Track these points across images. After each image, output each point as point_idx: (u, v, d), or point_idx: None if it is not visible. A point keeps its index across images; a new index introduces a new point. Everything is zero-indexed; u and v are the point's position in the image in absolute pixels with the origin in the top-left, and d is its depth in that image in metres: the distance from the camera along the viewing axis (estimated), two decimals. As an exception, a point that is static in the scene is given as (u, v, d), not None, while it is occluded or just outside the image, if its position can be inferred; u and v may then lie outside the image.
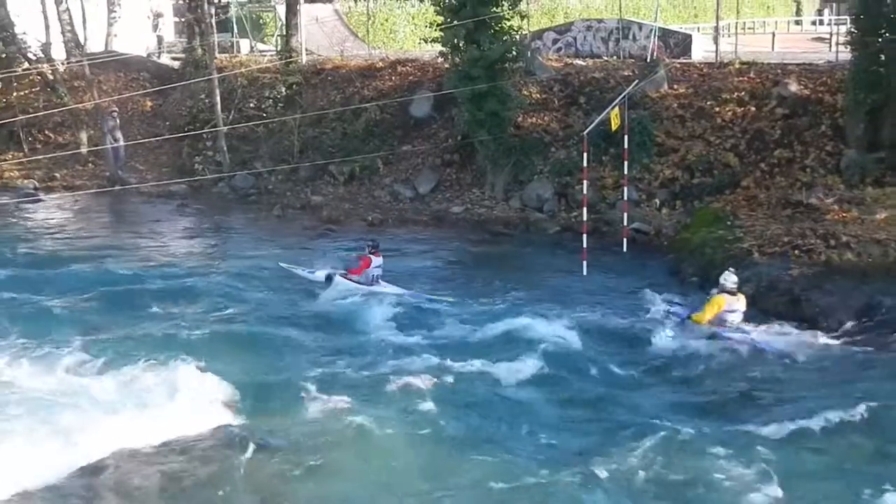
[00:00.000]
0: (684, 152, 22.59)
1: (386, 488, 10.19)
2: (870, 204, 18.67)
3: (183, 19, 34.80)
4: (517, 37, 24.34)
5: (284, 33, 32.40)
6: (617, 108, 19.31)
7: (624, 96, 20.17)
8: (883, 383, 12.72)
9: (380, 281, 17.25)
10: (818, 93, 22.60)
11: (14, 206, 24.89)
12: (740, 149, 22.26)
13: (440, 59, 26.23)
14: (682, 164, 22.43)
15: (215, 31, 31.21)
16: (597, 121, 20.43)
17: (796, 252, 16.95)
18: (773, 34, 34.87)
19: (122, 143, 27.42)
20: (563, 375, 13.16)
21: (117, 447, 10.86)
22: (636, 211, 21.22)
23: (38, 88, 30.86)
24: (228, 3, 37.55)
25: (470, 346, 14.28)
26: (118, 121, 27.81)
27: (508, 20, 23.72)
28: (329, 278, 17.32)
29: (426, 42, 26.00)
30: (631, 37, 28.16)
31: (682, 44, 27.63)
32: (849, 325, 14.74)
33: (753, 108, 23.01)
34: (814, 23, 47.19)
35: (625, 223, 19.89)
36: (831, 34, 31.04)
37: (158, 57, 35.29)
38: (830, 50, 27.09)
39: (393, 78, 28.76)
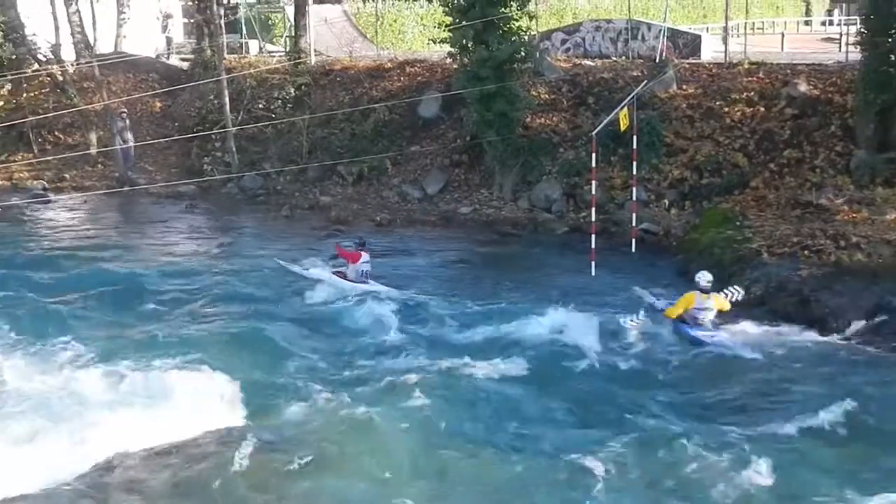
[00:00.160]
0: (693, 152, 22.54)
1: (389, 488, 10.20)
2: (880, 204, 18.64)
3: (192, 20, 34.86)
4: (526, 37, 24.32)
5: (293, 34, 32.47)
6: (626, 109, 19.27)
7: (633, 97, 20.12)
8: (891, 384, 12.68)
9: (369, 280, 17.48)
10: (828, 93, 22.53)
11: (24, 207, 24.98)
12: (749, 149, 22.20)
13: (449, 60, 26.24)
14: (690, 164, 22.37)
15: (224, 32, 31.28)
16: (605, 121, 20.39)
17: (806, 252, 16.91)
18: (783, 34, 34.70)
19: (131, 143, 27.50)
20: (567, 375, 13.18)
21: (120, 446, 10.90)
22: (645, 211, 21.17)
23: (47, 90, 30.98)
24: (237, 4, 37.62)
25: (474, 346, 14.33)
26: (128, 122, 27.87)
27: (517, 21, 23.70)
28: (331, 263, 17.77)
29: (435, 43, 25.98)
30: (640, 37, 28.10)
31: (691, 44, 27.57)
32: (858, 325, 14.68)
33: (763, 109, 22.95)
34: (823, 23, 47.07)
35: (633, 223, 19.84)
36: (841, 34, 30.90)
37: (168, 58, 35.42)
38: (840, 50, 27.01)
39: (401, 78, 28.78)
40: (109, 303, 16.56)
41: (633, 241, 19.62)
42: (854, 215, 18.38)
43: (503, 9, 23.10)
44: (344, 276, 17.61)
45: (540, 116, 24.85)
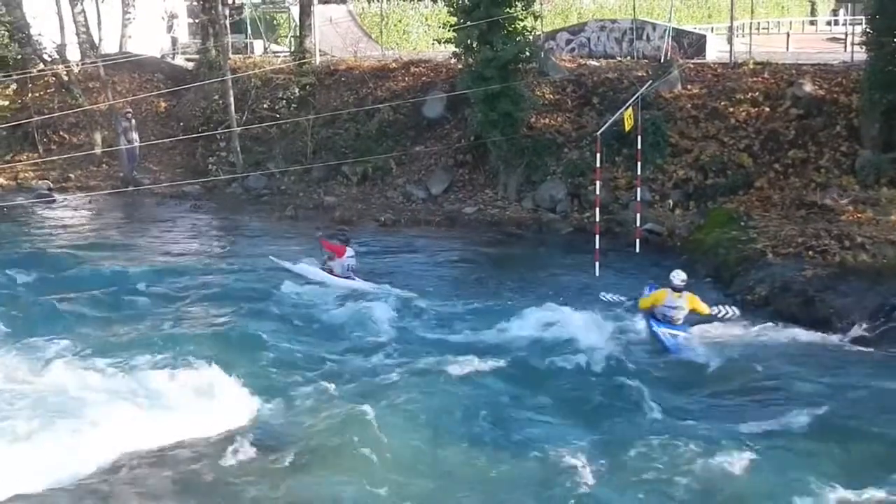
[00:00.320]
0: (698, 153, 22.50)
1: (389, 487, 10.22)
2: (885, 205, 18.58)
3: (197, 20, 34.86)
4: (530, 37, 24.31)
5: (298, 34, 32.46)
6: (630, 109, 19.25)
7: (637, 97, 20.10)
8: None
9: (354, 276, 17.72)
10: (833, 93, 22.47)
11: (29, 207, 25.03)
12: (754, 149, 22.16)
13: (453, 60, 26.20)
14: (695, 164, 22.33)
15: (229, 32, 31.35)
16: (610, 121, 20.37)
17: (810, 253, 16.87)
18: (788, 34, 34.73)
19: (137, 143, 27.54)
20: (567, 375, 13.18)
21: (120, 446, 10.93)
22: (649, 212, 21.14)
23: (52, 89, 31.04)
24: (242, 4, 37.66)
25: (475, 345, 14.35)
26: (133, 122, 27.90)
27: (522, 21, 23.68)
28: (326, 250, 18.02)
29: (439, 43, 25.96)
30: (645, 37, 28.07)
31: (696, 44, 27.52)
32: (863, 326, 14.64)
33: (767, 109, 22.90)
34: (829, 23, 46.95)
35: (638, 224, 19.82)
36: (846, 34, 30.86)
37: (173, 58, 35.43)
38: (845, 50, 26.97)
39: (406, 79, 28.76)
40: (112, 302, 16.60)
41: (638, 241, 19.60)
42: (859, 216, 18.34)
43: (508, 9, 23.08)
44: (330, 271, 17.86)
45: (544, 116, 24.82)
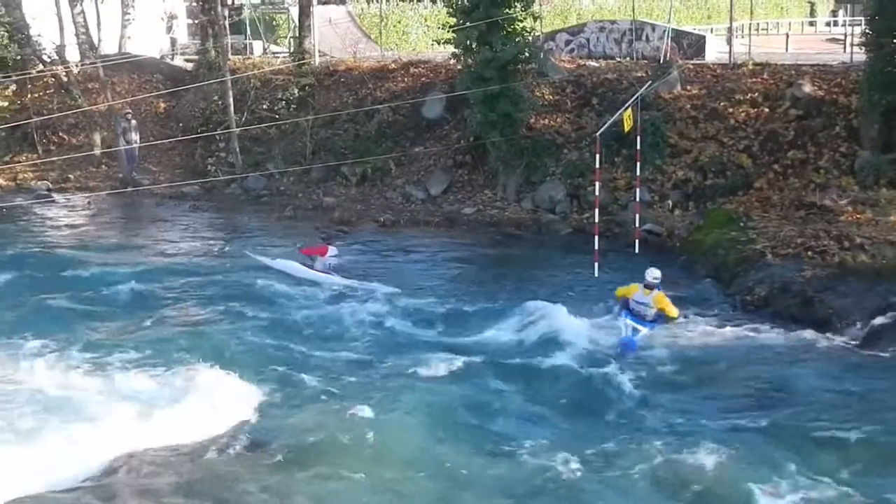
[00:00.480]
0: (697, 153, 22.51)
1: (388, 486, 10.28)
2: (884, 205, 18.61)
3: (196, 21, 34.87)
4: (530, 38, 24.29)
5: (297, 35, 32.44)
6: (630, 110, 19.26)
7: (637, 97, 20.11)
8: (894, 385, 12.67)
9: (334, 273, 18.11)
10: (832, 94, 22.48)
11: (28, 208, 25.02)
12: (753, 150, 22.16)
13: (453, 61, 26.20)
14: (694, 165, 22.34)
15: (228, 32, 31.29)
16: (609, 122, 20.37)
17: (809, 253, 16.88)
18: (787, 35, 34.75)
19: (137, 144, 27.53)
20: (566, 376, 13.19)
21: (119, 446, 10.94)
22: (648, 212, 21.14)
23: (52, 90, 31.04)
24: (242, 5, 37.66)
25: (473, 345, 14.46)
26: (133, 122, 27.89)
27: (521, 21, 23.67)
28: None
29: (439, 43, 25.97)
30: (644, 38, 28.07)
31: (695, 45, 27.53)
32: (862, 327, 14.64)
33: (767, 110, 22.91)
34: (828, 24, 46.96)
35: (637, 224, 19.82)
36: (846, 35, 30.88)
37: (172, 59, 35.44)
38: (845, 51, 26.97)
39: (405, 79, 28.76)
40: (110, 302, 16.66)
41: (637, 242, 19.60)
42: (858, 216, 18.35)
43: (507, 10, 23.07)
44: (311, 267, 18.26)
45: (544, 117, 24.82)
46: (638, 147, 20.10)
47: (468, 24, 23.10)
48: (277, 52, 35.66)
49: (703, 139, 22.88)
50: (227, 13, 31.22)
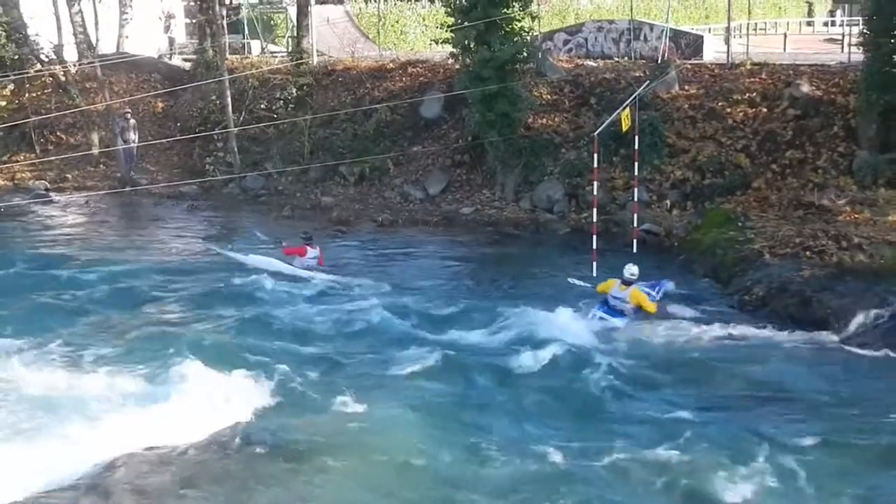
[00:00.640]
0: (695, 153, 22.51)
1: (387, 485, 10.28)
2: (882, 205, 18.62)
3: (194, 21, 34.88)
4: (528, 38, 24.31)
5: (295, 34, 32.45)
6: (628, 109, 19.27)
7: (635, 97, 20.11)
8: (893, 385, 12.67)
9: (314, 271, 18.37)
10: (830, 94, 22.50)
11: (26, 208, 25.00)
12: (751, 150, 22.17)
13: (451, 61, 26.23)
14: (692, 164, 22.35)
15: (226, 32, 31.31)
16: (607, 122, 20.38)
17: (808, 253, 16.89)
18: (785, 35, 34.73)
19: (135, 143, 27.52)
20: (564, 375, 13.19)
21: (118, 446, 10.91)
22: (647, 212, 21.15)
23: (50, 90, 31.00)
24: (240, 4, 37.62)
25: (473, 345, 14.46)
26: (132, 122, 27.88)
27: (519, 21, 23.69)
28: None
29: (437, 43, 26.00)
30: (642, 38, 28.07)
31: (693, 45, 27.53)
32: (860, 326, 14.65)
33: (765, 109, 22.92)
34: (826, 24, 46.96)
35: (635, 224, 19.82)
36: (843, 35, 30.88)
37: (170, 58, 35.41)
38: (843, 51, 26.96)
39: (403, 79, 28.76)
40: (108, 302, 16.66)
41: (635, 241, 19.61)
42: (856, 216, 18.37)
43: (505, 9, 23.08)
44: (290, 264, 18.49)
45: (542, 117, 24.83)
46: (636, 147, 20.11)
47: (466, 23, 23.10)
48: (275, 52, 35.63)
49: (701, 139, 22.89)
50: (224, 12, 31.24)
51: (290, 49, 33.43)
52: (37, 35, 30.68)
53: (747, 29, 31.20)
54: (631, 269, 15.43)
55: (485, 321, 15.38)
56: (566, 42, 29.67)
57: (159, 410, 11.81)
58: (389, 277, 18.45)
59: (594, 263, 17.86)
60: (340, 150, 26.86)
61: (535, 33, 26.19)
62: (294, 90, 29.14)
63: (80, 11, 30.45)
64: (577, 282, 16.78)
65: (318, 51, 31.95)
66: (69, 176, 28.49)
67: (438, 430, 11.46)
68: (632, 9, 30.95)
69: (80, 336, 14.61)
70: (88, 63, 29.90)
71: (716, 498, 9.97)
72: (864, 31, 21.26)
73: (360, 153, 26.00)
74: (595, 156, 18.93)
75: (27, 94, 30.73)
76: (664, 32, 27.33)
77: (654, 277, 17.17)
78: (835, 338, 14.56)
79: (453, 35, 23.93)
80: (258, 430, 11.43)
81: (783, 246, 17.45)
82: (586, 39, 29.31)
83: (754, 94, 23.45)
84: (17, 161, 29.19)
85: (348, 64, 30.66)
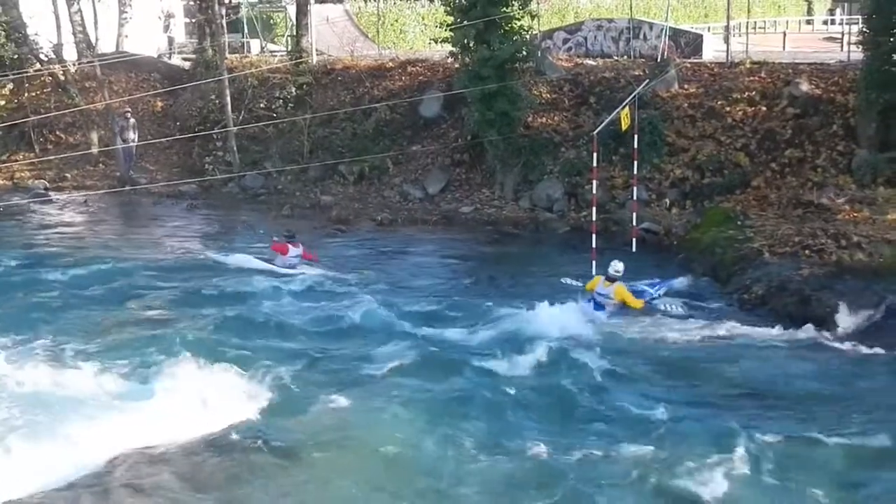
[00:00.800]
0: (695, 152, 22.51)
1: (386, 484, 10.27)
2: (881, 204, 18.64)
3: (194, 20, 34.87)
4: (527, 36, 24.32)
5: (295, 34, 32.45)
6: (627, 108, 19.24)
7: (634, 96, 20.09)
8: (892, 384, 12.67)
9: (297, 268, 18.48)
10: (830, 92, 22.49)
11: (25, 207, 25.00)
12: (751, 148, 22.17)
13: (450, 59, 26.23)
14: (692, 163, 22.35)
15: (226, 31, 31.29)
16: (607, 120, 20.36)
17: (807, 252, 16.89)
18: (785, 34, 34.71)
19: (134, 143, 27.52)
20: (562, 373, 13.16)
21: (117, 445, 10.91)
22: (646, 211, 21.15)
23: (49, 89, 31.00)
24: (239, 3, 37.61)
25: (472, 344, 14.43)
26: (132, 121, 27.88)
27: (519, 20, 23.70)
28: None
29: (436, 42, 25.97)
30: (641, 36, 28.07)
31: (692, 43, 27.54)
32: (859, 325, 14.65)
33: (764, 108, 22.92)
34: (825, 22, 46.98)
35: (634, 223, 19.80)
36: (843, 34, 30.90)
37: (169, 57, 35.40)
38: (842, 49, 26.97)
39: (403, 78, 28.77)
40: (107, 302, 16.65)
41: (634, 240, 19.58)
42: (855, 215, 18.38)
43: (504, 8, 23.11)
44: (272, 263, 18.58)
45: (541, 116, 24.83)
46: (635, 146, 20.08)
47: (466, 22, 23.13)
48: (275, 51, 35.64)
49: (701, 138, 22.89)
50: (224, 12, 31.21)
51: (289, 48, 33.43)
52: (36, 34, 30.70)
53: (747, 27, 31.20)
54: (615, 266, 15.48)
55: (477, 319, 15.41)
56: (565, 41, 29.68)
57: (152, 408, 11.82)
58: (386, 275, 18.48)
59: (594, 262, 17.82)
60: (340, 150, 26.85)
61: (534, 32, 26.20)
62: (293, 89, 29.14)
63: (80, 11, 30.46)
64: (571, 281, 16.80)
65: (317, 50, 31.96)
66: (68, 175, 28.49)
67: (425, 425, 11.44)
68: (631, 7, 30.97)
69: (70, 335, 14.60)
70: (88, 62, 29.91)
71: (713, 496, 9.94)
72: (864, 29, 21.28)
73: (360, 152, 26.00)
74: (594, 155, 18.91)
75: (26, 94, 30.73)
76: (664, 31, 27.34)
77: (654, 276, 17.19)
78: (834, 336, 14.54)
79: (452, 34, 23.94)
80: (250, 427, 11.43)
81: (782, 244, 17.45)
82: (586, 38, 29.32)
83: (754, 92, 23.45)
84: (17, 160, 29.22)
85: (348, 63, 30.66)
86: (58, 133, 30.61)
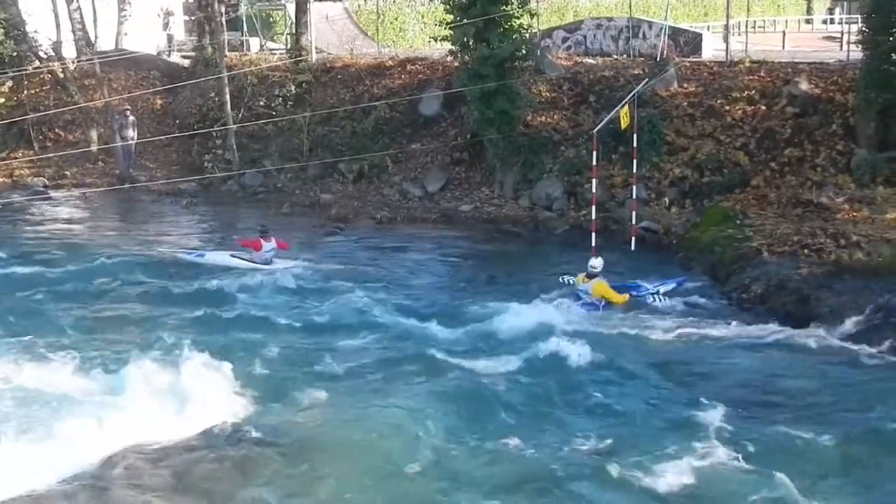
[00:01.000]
0: (694, 151, 22.52)
1: (386, 484, 10.28)
2: (880, 203, 18.65)
3: (193, 18, 34.86)
4: (527, 35, 24.33)
5: (294, 32, 32.47)
6: (626, 107, 19.27)
7: (634, 95, 20.10)
8: (891, 383, 12.68)
9: (274, 261, 18.64)
10: (829, 92, 22.49)
11: (24, 204, 24.99)
12: (750, 147, 22.17)
13: (449, 58, 26.22)
14: (691, 162, 22.34)
15: (225, 29, 31.28)
16: (606, 119, 20.38)
17: (806, 251, 16.91)
18: (784, 33, 34.69)
19: (133, 140, 27.53)
20: (562, 372, 13.16)
21: (117, 444, 10.91)
22: (645, 209, 21.16)
23: (48, 87, 31.04)
24: (238, 1, 37.60)
25: (472, 343, 14.44)
26: (132, 118, 27.89)
27: (518, 18, 23.69)
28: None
29: (436, 40, 26.00)
30: (641, 35, 28.08)
31: (692, 42, 27.54)
32: (858, 324, 14.64)
33: (764, 107, 22.92)
34: (825, 21, 46.99)
35: (634, 222, 19.83)
36: (842, 33, 30.90)
37: (168, 55, 35.41)
38: (841, 49, 26.97)
39: (402, 76, 28.78)
40: (107, 300, 16.70)
41: (633, 239, 19.63)
42: (854, 214, 18.39)
43: (504, 6, 23.10)
44: (250, 260, 18.66)
45: (541, 114, 24.82)
46: (635, 144, 20.10)
47: (465, 21, 23.12)
48: (274, 49, 35.64)
49: (700, 136, 22.89)
50: (223, 9, 31.20)
51: (288, 46, 33.46)
52: (35, 32, 30.73)
53: (746, 26, 31.21)
54: (593, 263, 15.80)
55: (473, 317, 15.42)
56: (565, 39, 29.68)
57: (154, 407, 11.80)
58: (384, 273, 18.50)
59: (593, 261, 17.87)
60: (339, 148, 26.85)
61: (533, 31, 26.22)
62: (293, 87, 29.16)
63: (79, 8, 30.42)
64: (570, 280, 16.89)
65: (316, 48, 31.95)
66: (68, 173, 28.50)
67: (413, 421, 11.45)
68: (630, 6, 30.99)
69: (76, 334, 14.63)
70: (87, 60, 29.89)
71: (708, 495, 9.97)
72: (863, 28, 21.29)
73: (359, 150, 26.00)
74: (594, 153, 18.95)
75: (26, 91, 30.73)
76: (663, 30, 27.34)
77: (654, 275, 17.21)
78: (832, 335, 14.53)
79: (452, 32, 23.94)
80: (252, 425, 11.43)
81: (781, 244, 17.46)
82: (585, 37, 29.32)
83: (753, 91, 23.45)
84: (16, 158, 29.28)
85: (347, 61, 30.66)
86: (57, 130, 30.63)
